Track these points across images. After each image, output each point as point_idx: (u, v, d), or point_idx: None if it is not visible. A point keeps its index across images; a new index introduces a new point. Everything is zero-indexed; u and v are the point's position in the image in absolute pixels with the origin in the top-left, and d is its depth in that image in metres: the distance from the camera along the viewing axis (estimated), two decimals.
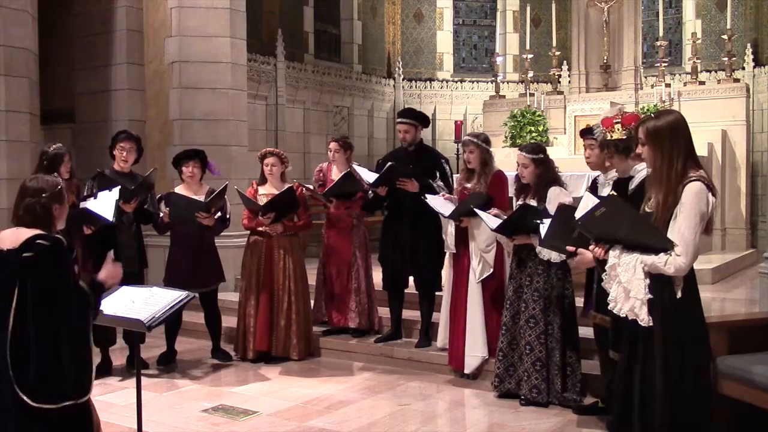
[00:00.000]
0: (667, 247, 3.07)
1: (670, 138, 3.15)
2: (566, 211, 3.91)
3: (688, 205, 3.06)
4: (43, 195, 3.03)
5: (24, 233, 2.94)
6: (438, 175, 5.98)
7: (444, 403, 5.29)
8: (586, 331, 5.14)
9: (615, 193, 4.21)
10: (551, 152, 5.65)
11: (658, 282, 3.13)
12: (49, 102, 8.42)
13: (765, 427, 3.91)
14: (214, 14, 8.13)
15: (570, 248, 3.53)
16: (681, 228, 3.06)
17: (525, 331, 4.98)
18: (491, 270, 5.42)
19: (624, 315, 3.19)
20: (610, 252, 3.20)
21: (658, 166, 3.17)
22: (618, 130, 4.36)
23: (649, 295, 3.11)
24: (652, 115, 3.33)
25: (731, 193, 9.90)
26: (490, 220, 5.02)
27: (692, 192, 3.07)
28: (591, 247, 3.29)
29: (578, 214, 3.45)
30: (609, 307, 3.27)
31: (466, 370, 5.55)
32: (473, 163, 5.48)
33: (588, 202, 3.49)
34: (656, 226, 3.14)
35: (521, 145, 5.86)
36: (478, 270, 5.42)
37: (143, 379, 4.36)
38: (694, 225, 3.05)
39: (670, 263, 3.05)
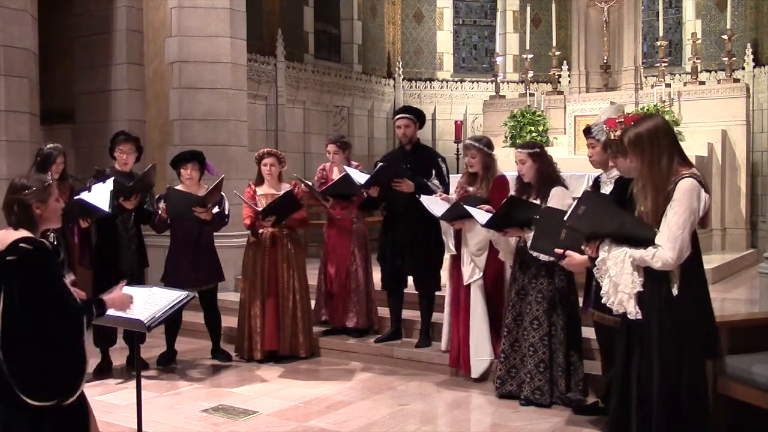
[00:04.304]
0: (649, 235, 3.07)
1: (650, 141, 3.15)
2: (550, 213, 3.90)
3: (679, 201, 3.07)
4: (24, 193, 2.97)
5: (11, 235, 2.93)
6: (434, 173, 5.96)
7: (444, 403, 5.29)
8: (588, 331, 5.14)
9: (599, 191, 4.21)
10: (551, 152, 5.64)
11: (654, 278, 3.13)
12: (49, 102, 8.42)
13: (765, 427, 3.91)
14: (214, 14, 8.13)
15: (558, 251, 3.53)
16: (670, 222, 3.06)
17: (528, 332, 4.96)
18: (480, 274, 5.39)
19: (616, 309, 3.20)
20: (600, 247, 3.20)
21: (641, 170, 3.17)
22: (621, 129, 4.35)
23: (638, 288, 3.12)
24: (632, 124, 3.33)
25: (731, 193, 9.88)
26: (480, 216, 4.99)
27: (685, 188, 3.08)
28: (583, 247, 3.30)
29: (567, 217, 3.46)
30: (602, 301, 3.28)
31: (473, 375, 5.50)
32: (476, 168, 5.45)
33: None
34: (635, 216, 3.14)
35: (517, 144, 5.85)
36: (467, 273, 5.41)
37: (143, 379, 4.36)
38: (684, 220, 3.05)
39: (657, 257, 3.06)
